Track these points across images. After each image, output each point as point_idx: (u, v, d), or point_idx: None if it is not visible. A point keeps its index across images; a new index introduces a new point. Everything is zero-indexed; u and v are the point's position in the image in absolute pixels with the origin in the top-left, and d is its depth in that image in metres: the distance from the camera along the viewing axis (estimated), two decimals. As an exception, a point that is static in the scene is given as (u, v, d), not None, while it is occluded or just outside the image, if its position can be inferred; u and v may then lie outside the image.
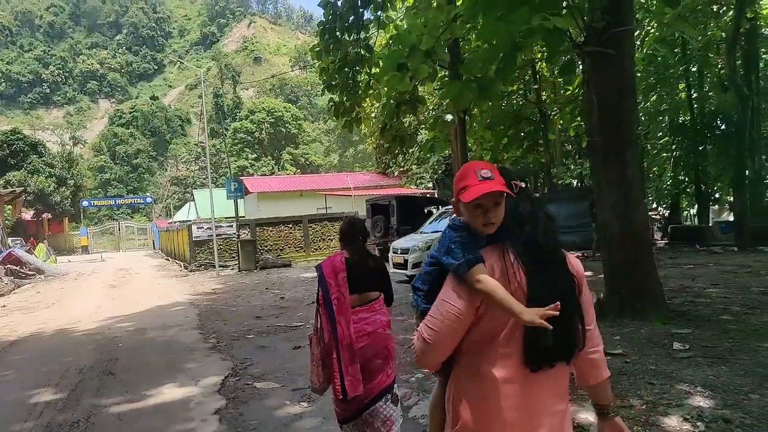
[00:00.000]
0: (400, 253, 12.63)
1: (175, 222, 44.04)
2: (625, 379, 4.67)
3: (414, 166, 36.60)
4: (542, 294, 1.61)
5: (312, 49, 17.68)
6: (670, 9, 7.66)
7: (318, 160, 76.77)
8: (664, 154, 22.78)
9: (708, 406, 4.02)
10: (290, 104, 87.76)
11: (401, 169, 37.58)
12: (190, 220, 33.41)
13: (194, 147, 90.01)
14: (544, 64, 24.31)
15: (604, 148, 7.00)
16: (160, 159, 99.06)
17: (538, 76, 23.50)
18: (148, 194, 70.72)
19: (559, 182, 28.20)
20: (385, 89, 13.80)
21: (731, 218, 23.27)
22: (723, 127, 17.33)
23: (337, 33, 17.44)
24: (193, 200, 48.70)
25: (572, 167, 32.13)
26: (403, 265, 12.43)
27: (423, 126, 27.78)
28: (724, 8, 20.11)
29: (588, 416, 3.95)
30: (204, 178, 73.89)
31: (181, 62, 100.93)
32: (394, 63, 8.81)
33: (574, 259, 1.80)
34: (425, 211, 18.77)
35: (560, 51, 7.01)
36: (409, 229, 14.91)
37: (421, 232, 13.41)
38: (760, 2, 18.12)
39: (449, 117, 17.44)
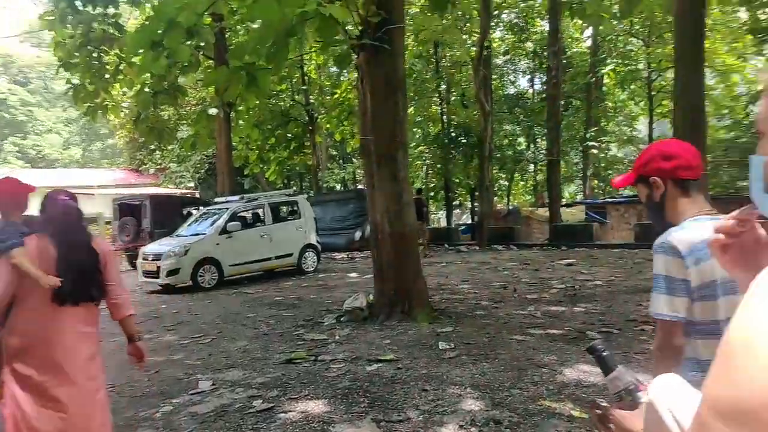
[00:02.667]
0: (152, 260, 11.11)
1: None
2: (399, 388, 4.44)
3: (173, 164, 33.69)
4: (66, 263, 2.69)
5: (43, 16, 14.86)
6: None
7: (54, 153, 66.37)
8: (418, 162, 24.73)
9: (479, 408, 3.96)
10: (18, 86, 74.31)
11: (158, 166, 34.36)
12: None
13: None
14: (312, 67, 24.52)
15: (377, 148, 6.89)
16: None
17: (306, 78, 23.50)
18: None
19: (324, 185, 28.72)
20: (139, 73, 12.13)
21: (468, 221, 26.38)
22: (466, 140, 19.32)
23: (77, 1, 14.93)
24: None
25: (336, 171, 33.14)
26: (154, 273, 10.95)
27: (184, 121, 25.66)
28: (468, 33, 22.71)
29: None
30: None
31: None
32: (147, 39, 7.53)
33: (101, 243, 2.98)
34: (185, 212, 17.16)
35: (335, 42, 6.69)
36: (165, 232, 13.33)
37: (178, 236, 12.03)
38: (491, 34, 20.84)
39: (214, 111, 16.22)
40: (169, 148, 32.20)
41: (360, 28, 6.79)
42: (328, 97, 24.21)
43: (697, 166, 1.74)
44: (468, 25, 23.87)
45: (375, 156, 6.93)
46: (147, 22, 7.76)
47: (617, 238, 17.61)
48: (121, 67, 15.75)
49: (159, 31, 7.45)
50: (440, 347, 5.57)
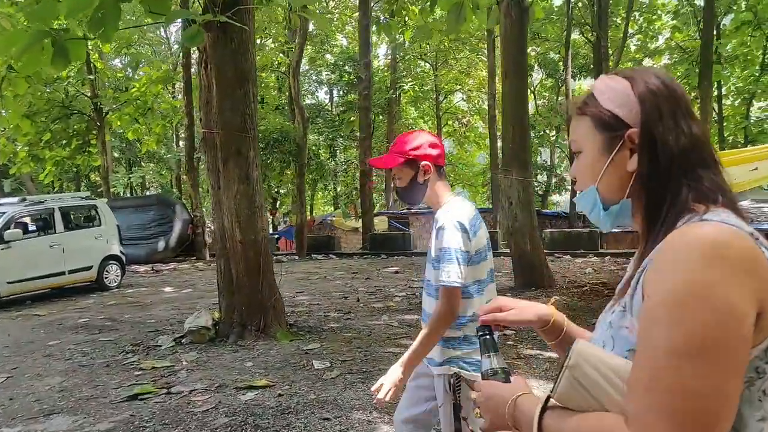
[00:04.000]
0: None
1: None
2: (295, 420, 3.80)
3: None
4: None
5: None
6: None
7: None
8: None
9: (395, 432, 3.54)
10: None
11: None
12: None
13: None
14: (97, 55, 21.44)
15: (225, 144, 6.04)
16: None
17: (93, 65, 20.45)
18: None
19: (110, 190, 25.46)
20: None
21: (269, 230, 25.63)
22: (284, 146, 18.70)
23: None
24: None
25: (120, 175, 29.71)
26: None
27: None
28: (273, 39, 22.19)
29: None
30: None
31: None
32: None
33: None
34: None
35: (174, 14, 5.70)
36: None
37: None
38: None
39: (-29, 94, 13.24)
40: None
41: (203, 3, 5.92)
42: (112, 91, 21.46)
43: (445, 155, 2.13)
44: (269, 30, 23.41)
45: (222, 153, 6.07)
46: None
47: (421, 247, 18.56)
48: None
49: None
50: (316, 367, 5.00)
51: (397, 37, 24.45)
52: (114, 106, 20.36)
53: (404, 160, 2.06)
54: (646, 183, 0.87)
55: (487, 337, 1.08)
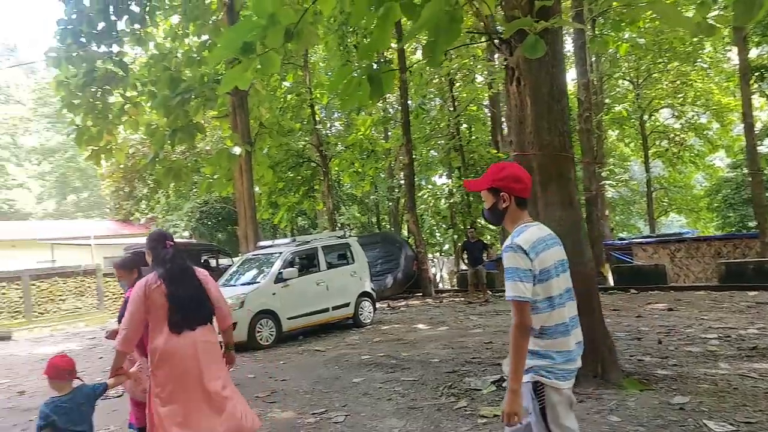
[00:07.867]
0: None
1: None
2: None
3: (162, 215, 31.20)
4: (176, 293, 3.43)
5: (48, 53, 13.67)
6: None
7: (27, 207, 62.87)
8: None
9: None
10: (-12, 139, 70.80)
11: (147, 216, 32.14)
12: None
13: None
14: (317, 108, 23.07)
15: (542, 166, 5.46)
16: None
17: (315, 117, 21.98)
18: None
19: (315, 231, 27.07)
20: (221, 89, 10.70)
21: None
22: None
23: (83, 38, 13.77)
24: None
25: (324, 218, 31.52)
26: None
27: (197, 159, 23.71)
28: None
29: None
30: None
31: None
32: (238, 42, 5.96)
33: (200, 271, 3.72)
34: (202, 260, 15.45)
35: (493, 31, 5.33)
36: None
37: (223, 285, 10.25)
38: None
39: (237, 150, 14.78)
40: (155, 197, 30.41)
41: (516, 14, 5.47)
42: (335, 138, 23.03)
43: (530, 189, 2.53)
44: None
45: (541, 176, 5.49)
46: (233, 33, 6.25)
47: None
48: (125, 107, 14.61)
49: (255, 29, 6.00)
50: (712, 428, 4.00)
51: (611, 52, 22.81)
52: (338, 149, 21.75)
53: (488, 187, 2.49)
54: None
55: None
